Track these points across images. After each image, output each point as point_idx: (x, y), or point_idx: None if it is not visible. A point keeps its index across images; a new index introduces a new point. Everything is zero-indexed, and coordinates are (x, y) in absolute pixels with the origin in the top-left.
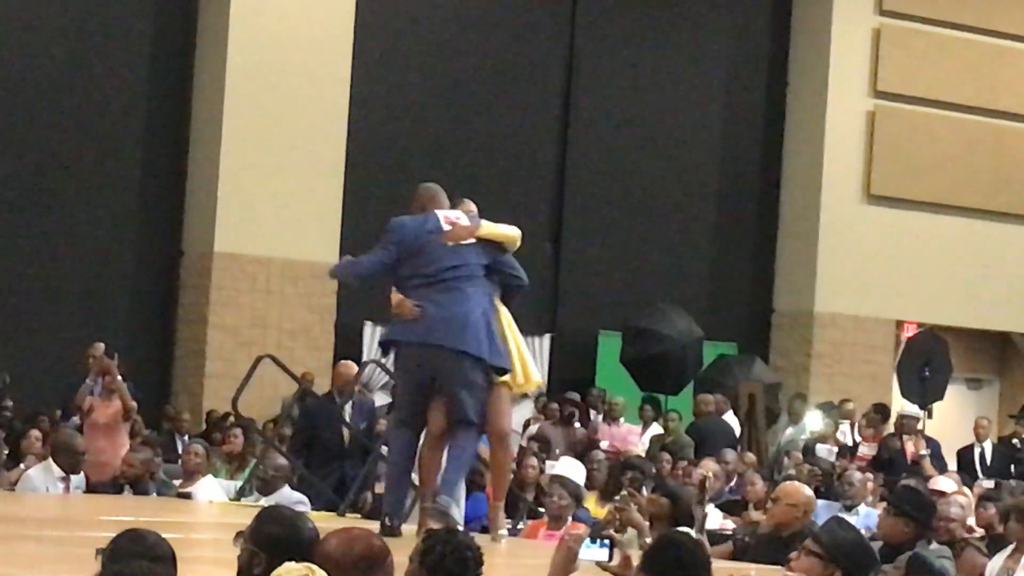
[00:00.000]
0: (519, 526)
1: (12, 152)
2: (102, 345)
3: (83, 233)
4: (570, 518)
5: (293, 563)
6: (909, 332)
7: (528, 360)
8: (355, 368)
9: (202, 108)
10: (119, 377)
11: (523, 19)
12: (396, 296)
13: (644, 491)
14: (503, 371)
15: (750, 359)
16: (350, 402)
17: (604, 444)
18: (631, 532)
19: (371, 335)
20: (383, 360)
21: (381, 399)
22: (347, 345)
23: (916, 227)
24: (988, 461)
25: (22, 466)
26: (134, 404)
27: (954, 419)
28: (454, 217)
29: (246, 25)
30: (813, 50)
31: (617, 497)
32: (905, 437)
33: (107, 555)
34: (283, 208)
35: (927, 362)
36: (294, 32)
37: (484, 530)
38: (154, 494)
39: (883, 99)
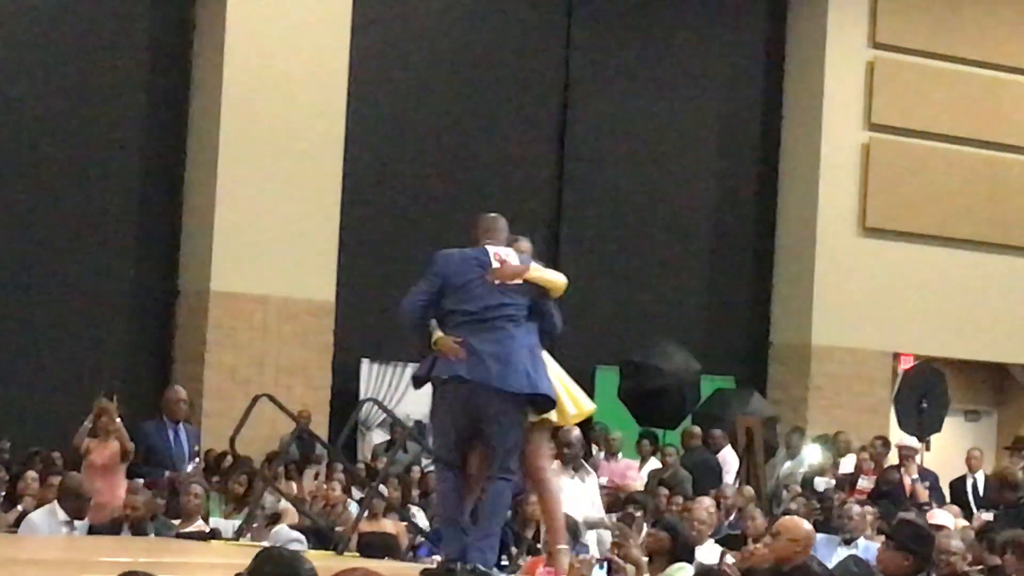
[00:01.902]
0: (519, 562)
1: (8, 190)
2: (106, 401)
3: (79, 272)
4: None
5: None
6: (906, 364)
7: (575, 390)
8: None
9: (197, 146)
10: (117, 419)
11: (518, 52)
12: (437, 332)
13: (644, 526)
14: (550, 401)
15: (747, 393)
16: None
17: (603, 480)
18: (630, 569)
19: (368, 372)
20: (415, 387)
21: (379, 436)
22: (345, 382)
23: (912, 259)
24: (981, 492)
25: (19, 507)
26: (132, 445)
27: (952, 451)
28: (504, 254)
29: (241, 60)
30: (807, 83)
31: (615, 533)
32: (902, 469)
33: None
34: (279, 246)
35: (924, 394)
36: (289, 68)
37: None
38: (152, 535)
39: (878, 131)
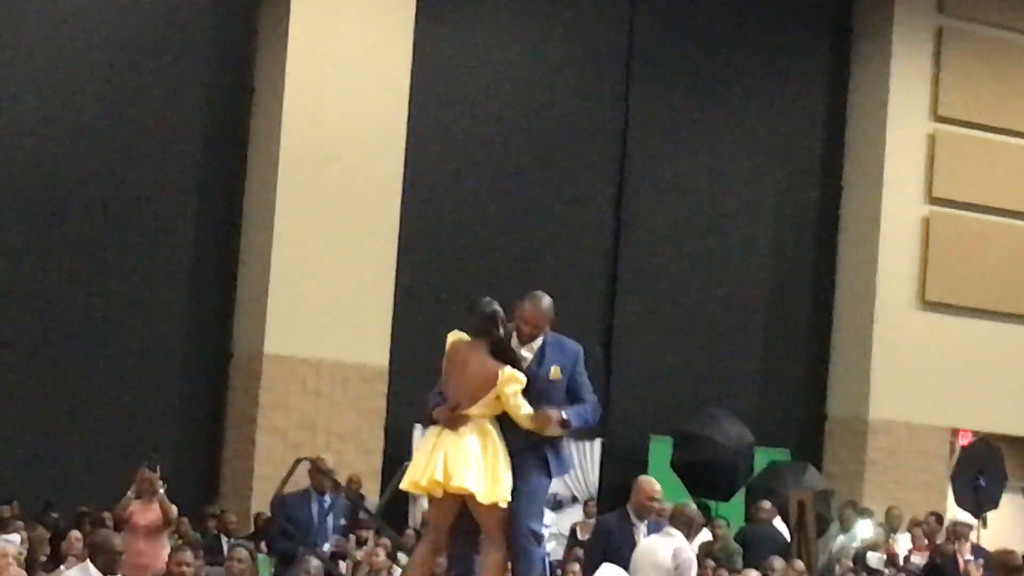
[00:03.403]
0: None
1: (63, 250)
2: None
3: (133, 334)
4: None
5: None
6: (964, 440)
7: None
8: None
9: (253, 209)
10: (160, 488)
11: (576, 114)
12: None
13: None
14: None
15: (802, 466)
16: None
17: None
18: None
19: (420, 438)
20: None
21: None
22: (397, 448)
23: (970, 334)
24: None
25: (62, 568)
26: (174, 512)
27: (1010, 528)
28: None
29: (298, 123)
30: (868, 155)
31: None
32: (956, 545)
33: None
34: (333, 310)
35: (981, 470)
36: (346, 132)
37: None
38: None
39: (938, 205)
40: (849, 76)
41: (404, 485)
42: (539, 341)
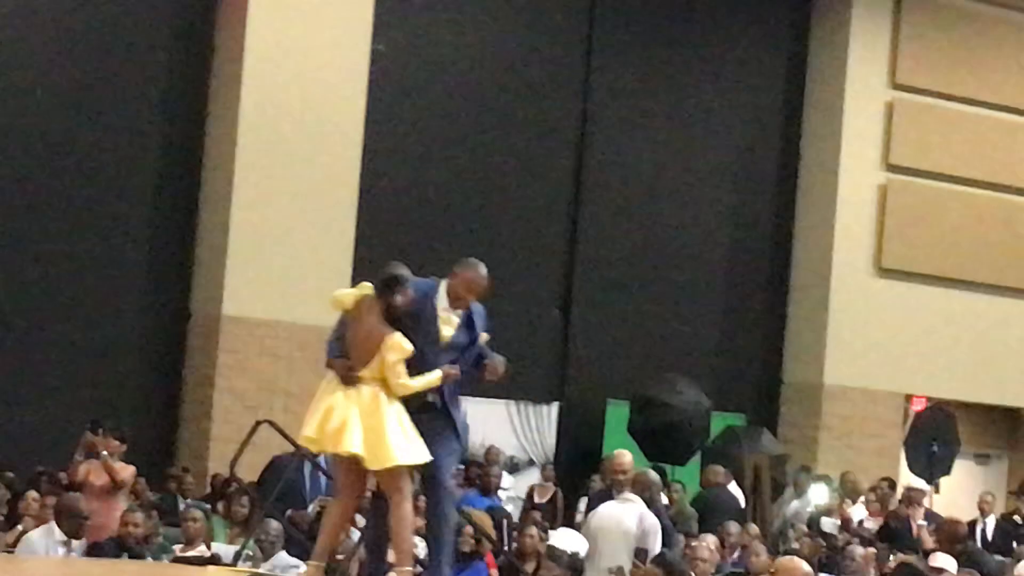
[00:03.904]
0: None
1: (19, 211)
2: (90, 436)
3: (91, 295)
4: None
5: None
6: (918, 406)
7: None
8: None
9: (212, 170)
10: (103, 452)
11: (536, 81)
12: None
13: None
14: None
15: (758, 431)
16: None
17: None
18: None
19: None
20: None
21: None
22: None
23: (926, 301)
24: (990, 537)
25: (19, 527)
26: (124, 473)
27: (962, 494)
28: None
29: (258, 85)
30: (826, 123)
31: (612, 569)
32: (910, 511)
33: None
34: (292, 272)
35: (935, 437)
36: (306, 95)
37: None
38: (151, 558)
39: (895, 173)
40: (808, 43)
41: (300, 440)
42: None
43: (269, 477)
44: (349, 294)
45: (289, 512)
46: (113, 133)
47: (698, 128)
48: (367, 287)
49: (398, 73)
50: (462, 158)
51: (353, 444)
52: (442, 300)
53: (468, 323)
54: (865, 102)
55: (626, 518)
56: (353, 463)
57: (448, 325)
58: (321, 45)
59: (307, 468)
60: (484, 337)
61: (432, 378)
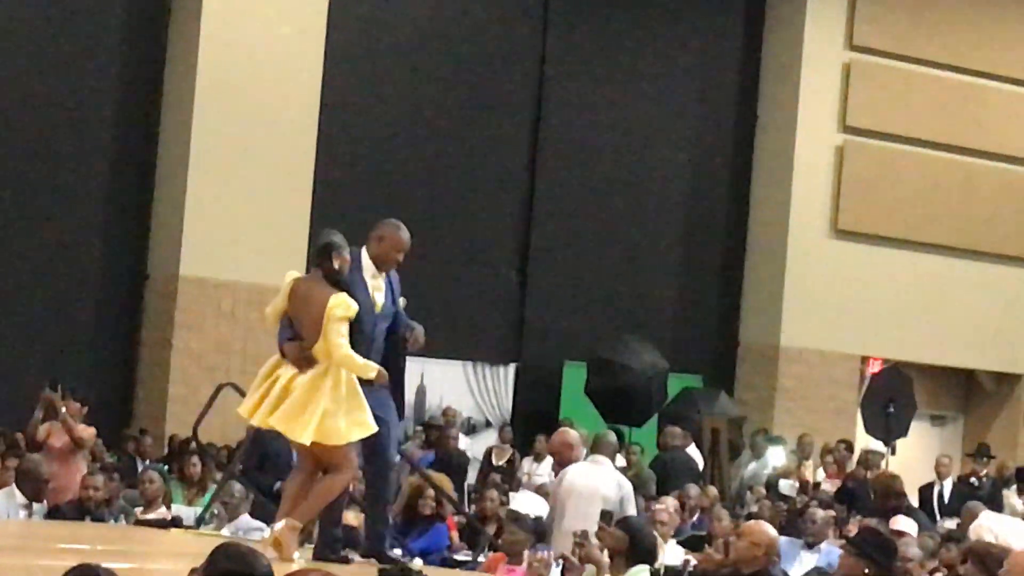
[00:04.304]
0: (479, 559)
1: None
2: (49, 392)
3: (47, 256)
4: (526, 553)
5: None
6: (874, 368)
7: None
8: None
9: (169, 132)
10: (63, 409)
11: (494, 38)
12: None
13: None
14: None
15: (715, 393)
16: None
17: None
18: (590, 569)
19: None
20: None
21: None
22: None
23: (883, 263)
24: (946, 499)
25: None
26: (84, 433)
27: (917, 456)
28: None
29: (215, 49)
30: (783, 84)
31: (577, 533)
32: (868, 473)
33: (206, 572)
34: (249, 233)
35: (891, 398)
36: (263, 57)
37: (444, 562)
38: (112, 521)
39: (852, 134)
40: (765, 5)
41: (241, 411)
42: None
43: (252, 445)
44: (279, 297)
45: (279, 484)
46: (70, 94)
47: (655, 91)
48: (292, 274)
49: (356, 34)
50: (419, 122)
51: (274, 419)
52: (367, 268)
53: (389, 289)
54: (822, 64)
55: (603, 483)
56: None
57: (379, 292)
58: (279, 7)
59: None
60: (402, 302)
61: (370, 368)
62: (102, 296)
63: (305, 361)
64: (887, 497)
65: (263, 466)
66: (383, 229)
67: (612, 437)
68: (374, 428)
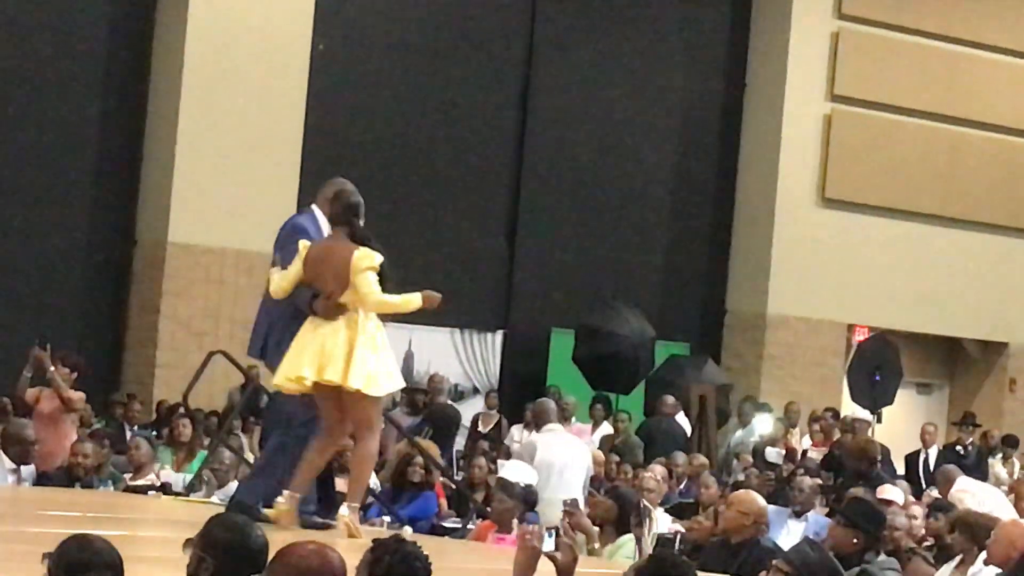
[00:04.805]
0: (468, 526)
1: None
2: (39, 350)
3: (35, 221)
4: (516, 521)
5: None
6: (860, 336)
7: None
8: None
9: (158, 97)
10: (51, 368)
11: (482, 16)
12: None
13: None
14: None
15: (702, 360)
16: None
17: None
18: (580, 537)
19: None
20: None
21: None
22: None
23: (870, 231)
24: (932, 467)
25: None
26: (74, 396)
27: (903, 424)
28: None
29: (204, 14)
30: (771, 52)
31: (567, 501)
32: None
33: (53, 562)
34: (238, 199)
35: (878, 366)
36: (252, 22)
37: (433, 529)
38: (102, 487)
39: (840, 103)
40: None
41: (277, 381)
42: None
43: (268, 409)
44: (292, 267)
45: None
46: (57, 57)
47: (643, 59)
48: (304, 244)
49: (346, 3)
50: (408, 84)
51: (331, 372)
52: (325, 228)
53: None
54: (811, 32)
55: (578, 452)
56: (335, 399)
57: None
58: None
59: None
60: None
61: (410, 300)
62: (90, 262)
63: (336, 310)
64: (860, 461)
65: (275, 425)
66: (334, 188)
67: (551, 404)
68: (402, 382)
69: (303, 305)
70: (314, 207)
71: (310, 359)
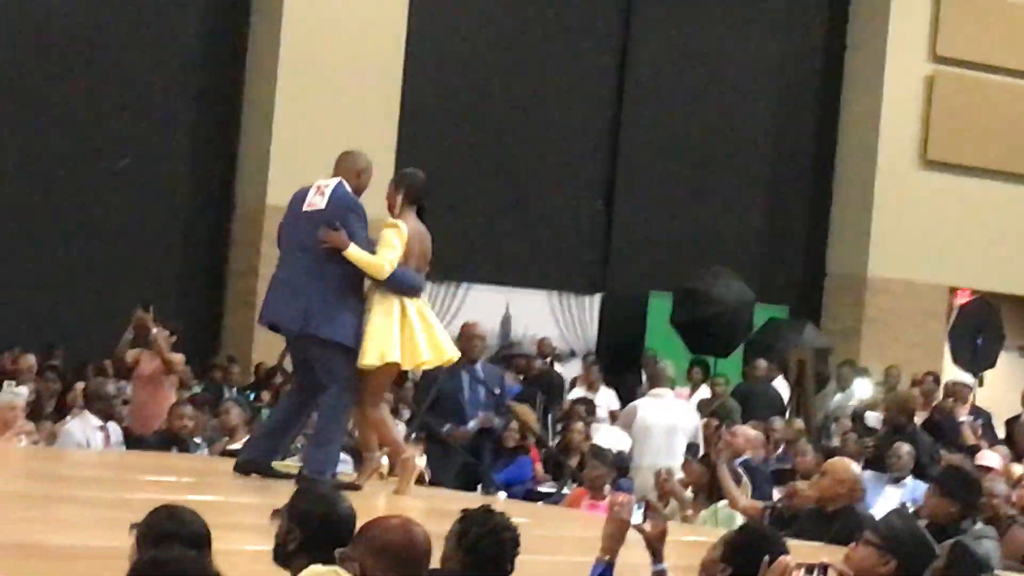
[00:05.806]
0: (563, 491)
1: (66, 105)
2: (142, 312)
3: (136, 186)
4: (608, 487)
5: (320, 567)
6: (962, 299)
7: (439, 335)
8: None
9: (256, 62)
10: (154, 330)
11: None
12: None
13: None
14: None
15: (801, 323)
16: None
17: None
18: (673, 504)
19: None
20: None
21: None
22: None
23: (972, 193)
24: None
25: (68, 419)
26: (175, 358)
27: (1006, 388)
28: (324, 186)
29: None
30: (872, 13)
31: (661, 468)
32: (955, 405)
33: (141, 532)
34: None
35: (979, 329)
36: None
37: (528, 494)
38: (199, 452)
39: (942, 64)
40: None
41: (372, 360)
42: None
43: (421, 389)
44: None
45: (448, 427)
46: (156, 25)
47: (743, 20)
48: (399, 224)
49: None
50: (506, 51)
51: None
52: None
53: None
54: None
55: (683, 416)
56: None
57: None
58: None
59: (466, 379)
60: None
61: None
62: (190, 226)
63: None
64: (898, 413)
65: (433, 407)
66: (359, 162)
67: (668, 370)
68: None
69: (411, 288)
70: (340, 178)
71: (426, 342)
